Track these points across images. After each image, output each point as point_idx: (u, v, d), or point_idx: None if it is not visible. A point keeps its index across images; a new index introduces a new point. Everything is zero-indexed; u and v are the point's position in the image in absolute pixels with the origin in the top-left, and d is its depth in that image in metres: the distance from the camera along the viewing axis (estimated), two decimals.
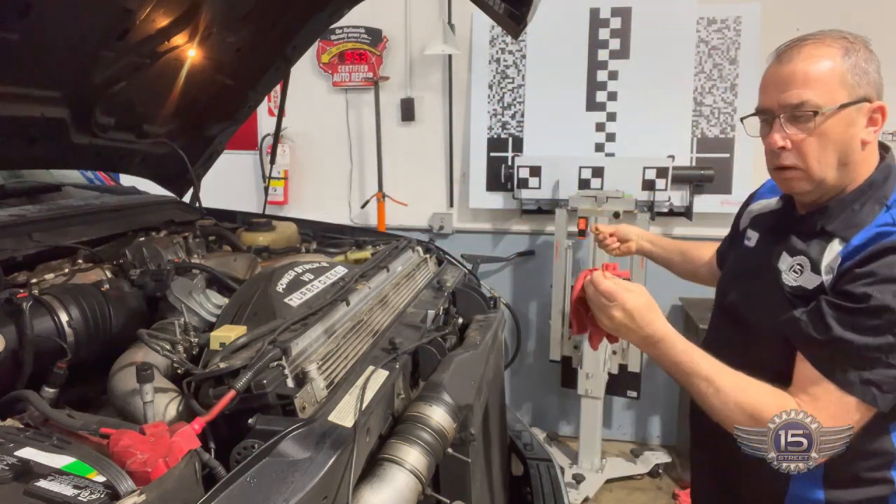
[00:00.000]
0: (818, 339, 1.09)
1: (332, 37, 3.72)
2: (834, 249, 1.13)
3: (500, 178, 3.66)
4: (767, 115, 1.19)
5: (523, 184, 3.50)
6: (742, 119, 1.28)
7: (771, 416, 1.06)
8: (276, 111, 2.73)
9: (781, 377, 1.13)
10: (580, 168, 3.41)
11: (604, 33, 3.47)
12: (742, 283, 1.35)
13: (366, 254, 1.91)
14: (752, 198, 1.48)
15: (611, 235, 1.86)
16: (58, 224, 1.63)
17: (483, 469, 1.41)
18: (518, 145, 3.62)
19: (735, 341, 1.30)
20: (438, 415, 1.09)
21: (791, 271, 1.19)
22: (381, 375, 1.10)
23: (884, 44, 3.66)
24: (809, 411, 1.05)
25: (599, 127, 3.51)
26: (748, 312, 1.28)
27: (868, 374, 1.04)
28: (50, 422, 0.87)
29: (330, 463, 0.83)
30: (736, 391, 1.10)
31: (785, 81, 1.15)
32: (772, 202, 1.38)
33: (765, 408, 1.07)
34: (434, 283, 1.72)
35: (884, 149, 1.22)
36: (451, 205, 3.81)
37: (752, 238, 1.38)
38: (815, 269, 1.14)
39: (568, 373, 3.52)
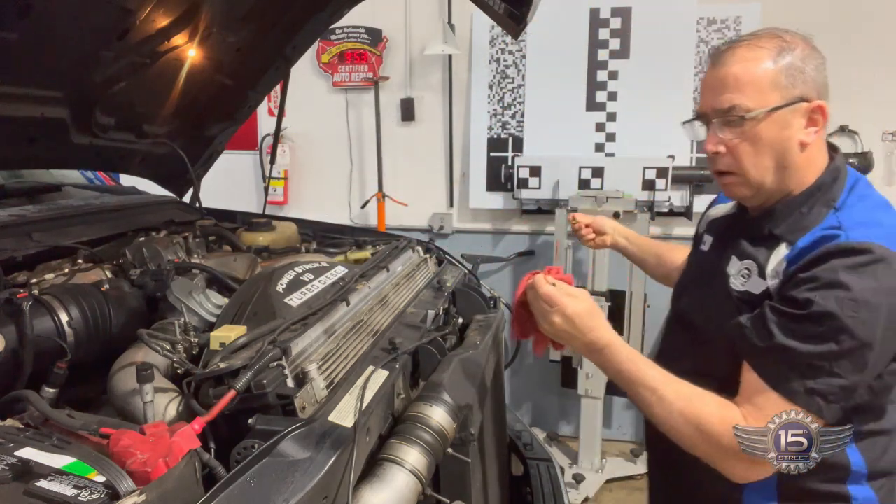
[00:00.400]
0: (761, 346, 1.05)
1: (332, 37, 3.72)
2: (780, 253, 1.10)
3: (500, 178, 3.66)
4: (704, 120, 1.17)
5: (523, 184, 3.50)
6: (683, 123, 1.25)
7: (715, 426, 1.04)
8: (276, 111, 2.73)
9: (732, 385, 1.10)
10: (580, 168, 3.41)
11: (604, 33, 3.47)
12: (693, 288, 1.32)
13: (366, 254, 1.91)
14: (713, 202, 1.45)
15: (587, 226, 1.80)
16: (58, 224, 1.63)
17: (483, 469, 1.41)
18: (518, 145, 3.61)
19: (686, 347, 1.27)
20: (438, 415, 1.09)
21: (739, 276, 1.15)
22: (381, 375, 1.10)
23: (884, 44, 3.65)
24: (753, 422, 1.02)
25: (599, 127, 3.51)
26: (698, 318, 1.25)
27: (812, 384, 1.00)
28: (50, 422, 0.87)
29: (330, 463, 0.83)
30: (680, 401, 1.07)
31: (717, 85, 1.13)
32: (728, 206, 1.35)
33: (709, 418, 1.04)
34: (434, 283, 1.72)
35: (833, 149, 1.19)
36: (451, 205, 3.81)
37: (707, 242, 1.35)
38: (762, 273, 1.11)
39: (568, 373, 3.52)
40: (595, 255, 3.18)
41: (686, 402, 1.07)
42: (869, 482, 1.12)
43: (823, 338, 0.99)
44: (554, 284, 1.15)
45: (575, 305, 1.12)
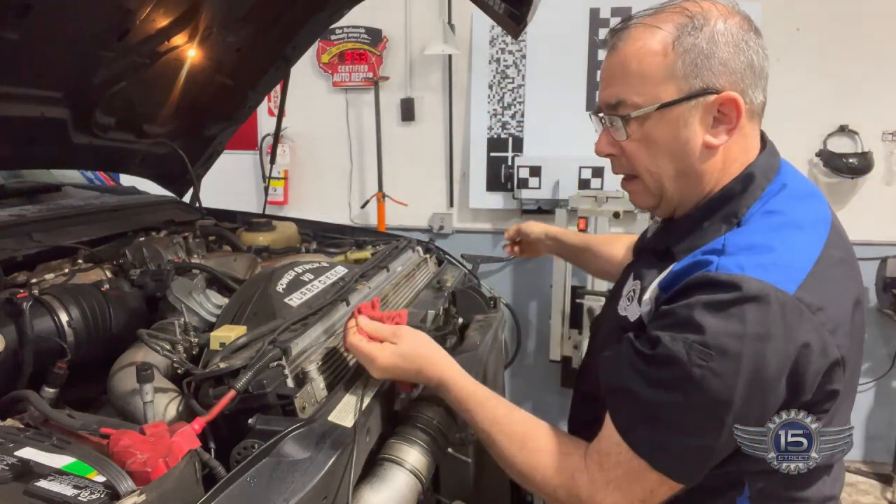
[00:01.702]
0: (612, 384, 0.90)
1: (332, 37, 3.72)
2: (662, 277, 0.92)
3: (500, 178, 3.66)
4: (599, 116, 0.99)
5: (523, 184, 3.50)
6: (591, 115, 1.05)
7: (549, 479, 0.91)
8: (276, 111, 2.73)
9: None
10: (580, 168, 3.41)
11: (604, 33, 3.46)
12: (605, 305, 1.19)
13: (366, 254, 1.91)
14: None
15: (513, 241, 1.59)
16: (58, 224, 1.63)
17: (483, 469, 1.41)
18: (518, 145, 3.61)
19: (588, 368, 1.14)
20: (438, 415, 1.09)
21: (626, 298, 0.99)
22: None
23: (884, 43, 3.63)
24: (594, 474, 0.88)
25: None
26: (594, 339, 1.13)
27: (660, 438, 0.84)
28: (50, 422, 0.87)
29: (330, 463, 0.83)
30: (512, 446, 0.95)
31: (607, 75, 0.95)
32: None
33: (543, 469, 0.92)
34: (434, 283, 1.72)
35: (762, 143, 0.97)
36: (451, 205, 3.81)
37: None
38: (641, 298, 0.94)
39: (568, 373, 3.51)
40: None
41: (518, 448, 0.95)
42: None
43: (668, 386, 0.82)
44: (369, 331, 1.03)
45: (381, 358, 1.00)
